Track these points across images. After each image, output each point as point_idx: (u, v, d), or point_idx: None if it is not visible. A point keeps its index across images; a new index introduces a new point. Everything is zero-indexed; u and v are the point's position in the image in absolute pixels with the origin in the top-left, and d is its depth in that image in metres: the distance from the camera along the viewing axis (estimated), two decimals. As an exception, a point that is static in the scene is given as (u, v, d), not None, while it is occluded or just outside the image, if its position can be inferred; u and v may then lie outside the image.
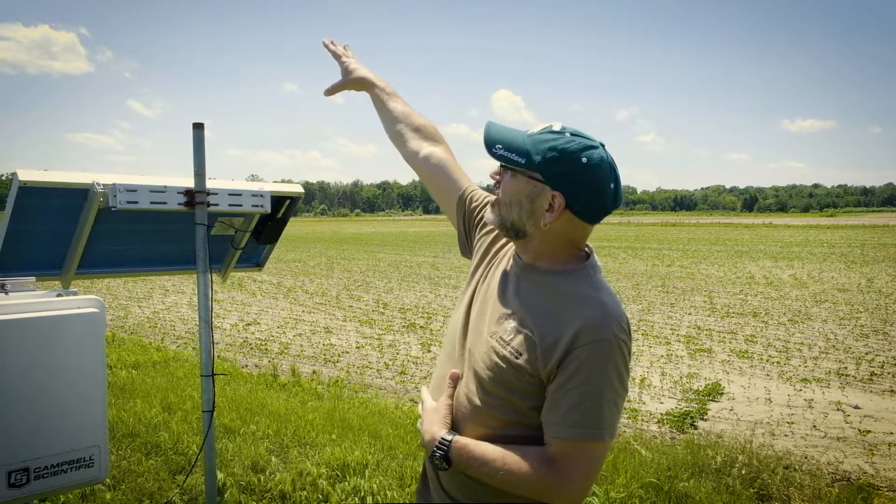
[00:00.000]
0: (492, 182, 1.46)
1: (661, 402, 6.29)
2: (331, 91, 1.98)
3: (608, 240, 34.72)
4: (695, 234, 41.53)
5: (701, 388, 6.73)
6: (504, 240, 1.55)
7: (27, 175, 2.65)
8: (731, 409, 6.06)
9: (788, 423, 5.68)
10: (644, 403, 6.25)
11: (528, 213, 1.36)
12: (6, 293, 2.04)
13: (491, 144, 1.38)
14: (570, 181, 1.31)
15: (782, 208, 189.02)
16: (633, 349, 8.43)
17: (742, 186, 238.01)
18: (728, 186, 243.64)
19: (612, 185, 1.34)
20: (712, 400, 6.37)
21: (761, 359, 8.04)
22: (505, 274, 1.46)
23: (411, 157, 1.78)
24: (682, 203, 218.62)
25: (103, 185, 2.75)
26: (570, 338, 1.26)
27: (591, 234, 1.43)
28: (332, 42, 2.01)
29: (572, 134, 1.35)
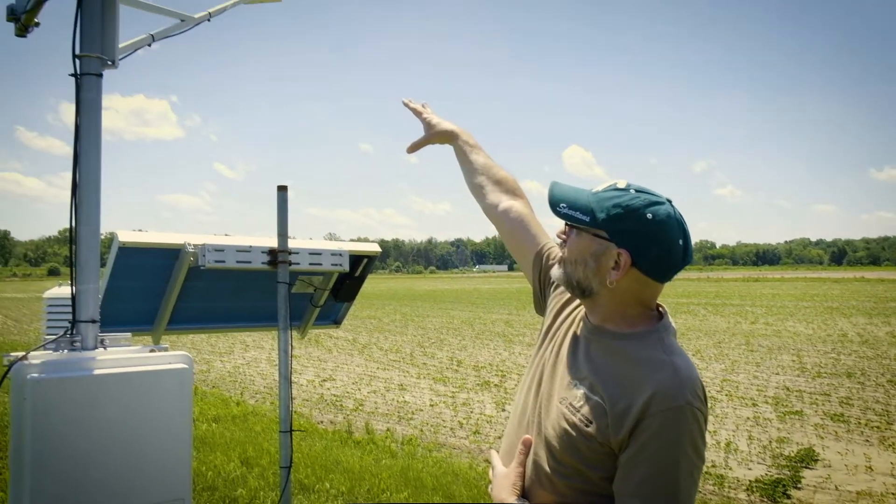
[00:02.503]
0: (559, 241, 1.46)
1: (750, 468, 5.95)
2: (414, 147, 2.00)
3: (687, 296, 33.65)
4: (779, 290, 39.79)
5: (793, 454, 6.35)
6: (577, 300, 1.52)
7: (126, 236, 2.83)
8: (827, 478, 5.68)
9: (894, 494, 5.27)
10: (731, 469, 5.93)
11: (594, 271, 1.34)
12: (105, 348, 2.16)
13: (555, 203, 1.38)
14: (635, 238, 1.29)
15: (875, 261, 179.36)
16: (718, 411, 8.06)
17: (829, 239, 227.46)
18: (814, 239, 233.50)
19: (680, 242, 1.32)
20: (806, 467, 5.99)
21: (859, 423, 7.53)
22: (575, 337, 1.43)
23: (490, 210, 1.79)
24: (764, 257, 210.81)
25: (194, 245, 2.90)
26: (641, 405, 1.21)
27: (670, 289, 1.41)
28: (410, 101, 2.07)
29: (637, 190, 1.33)
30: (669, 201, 1.34)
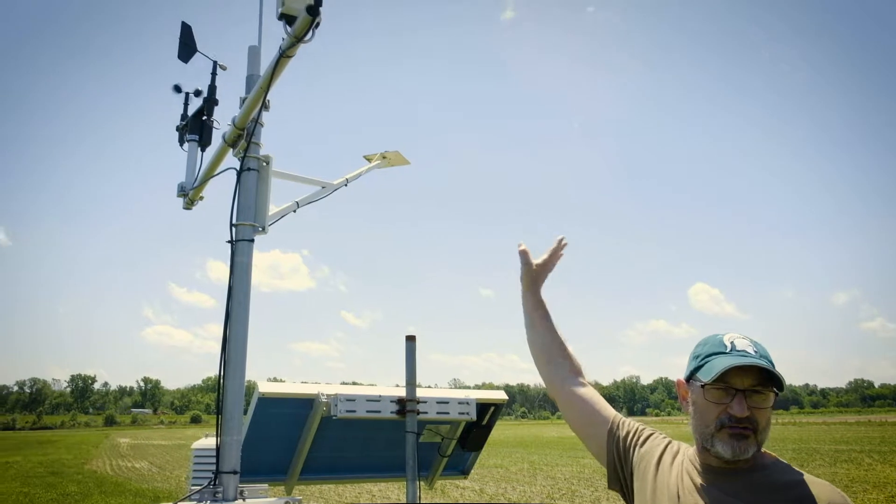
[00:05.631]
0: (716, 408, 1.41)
1: None
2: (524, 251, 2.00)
3: (846, 442, 30.15)
4: (961, 437, 34.82)
5: None
6: (657, 453, 1.55)
7: (266, 387, 3.00)
8: None
9: None
10: None
11: (770, 424, 1.40)
12: (244, 500, 2.23)
13: (781, 384, 1.37)
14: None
15: None
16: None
17: None
18: None
19: None
20: None
21: None
22: (701, 486, 1.41)
23: (558, 381, 1.79)
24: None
25: (326, 395, 3.01)
26: None
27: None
28: (525, 248, 2.13)
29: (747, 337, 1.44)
30: None
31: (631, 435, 1.63)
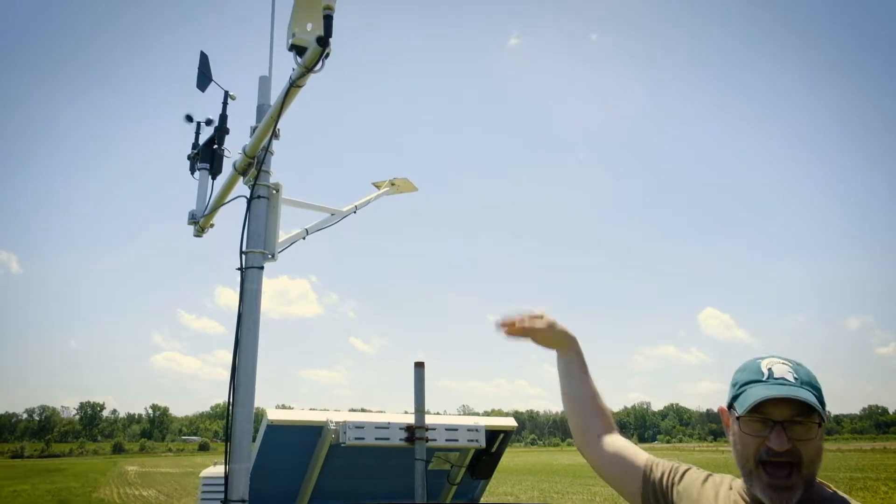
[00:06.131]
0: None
1: None
2: (511, 327, 1.83)
3: (861, 470, 29.64)
4: (980, 464, 34.16)
5: None
6: (703, 481, 1.47)
7: (274, 414, 2.99)
8: None
9: None
10: None
11: (821, 455, 1.27)
12: (252, 529, 2.22)
13: (823, 414, 1.25)
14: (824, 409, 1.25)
15: None
16: None
17: None
18: None
19: None
20: None
21: None
22: None
23: (589, 436, 1.71)
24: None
25: (335, 422, 3.00)
26: None
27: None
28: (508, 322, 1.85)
29: (791, 360, 1.32)
30: None
31: (666, 475, 1.54)
